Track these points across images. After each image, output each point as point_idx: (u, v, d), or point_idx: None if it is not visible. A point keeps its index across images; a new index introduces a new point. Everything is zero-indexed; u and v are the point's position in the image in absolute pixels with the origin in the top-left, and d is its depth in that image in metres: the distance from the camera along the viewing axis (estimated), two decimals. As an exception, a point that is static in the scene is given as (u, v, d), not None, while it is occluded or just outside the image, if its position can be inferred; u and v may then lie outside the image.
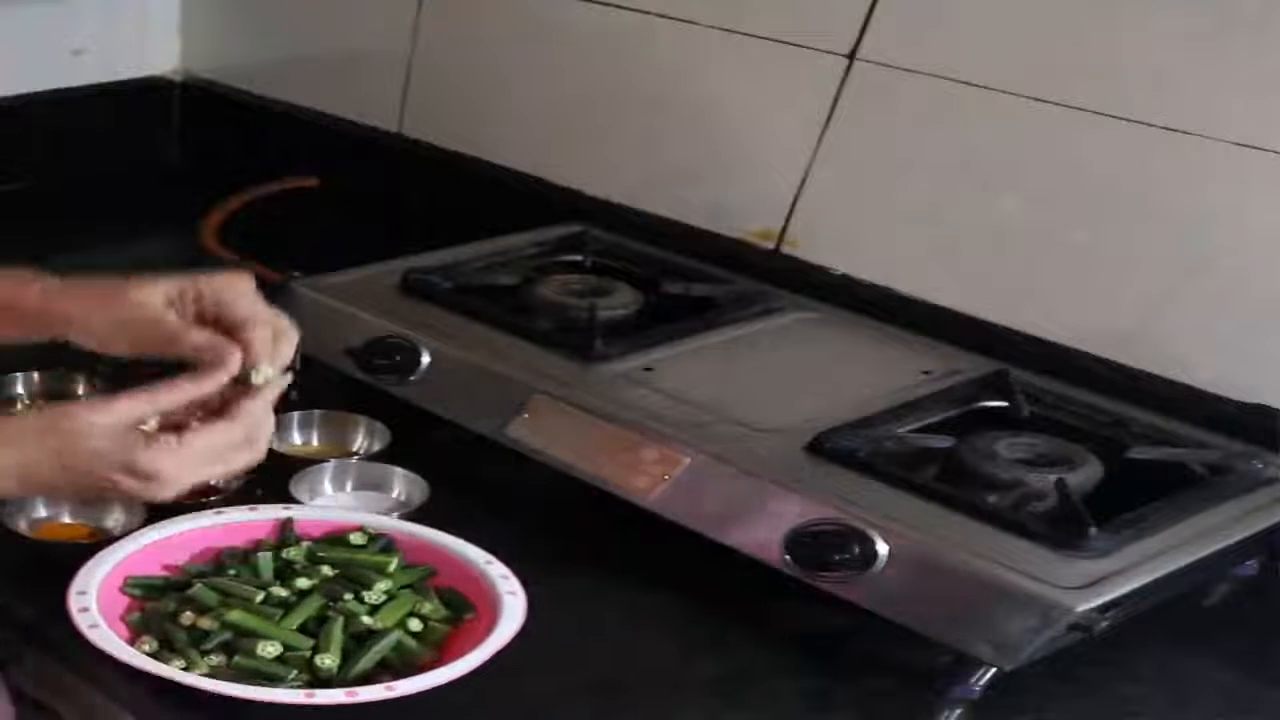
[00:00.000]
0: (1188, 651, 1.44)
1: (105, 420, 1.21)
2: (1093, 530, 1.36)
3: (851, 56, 1.86)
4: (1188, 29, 1.62)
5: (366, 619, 1.35)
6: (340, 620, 1.34)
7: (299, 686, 1.29)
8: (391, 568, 1.42)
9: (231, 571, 1.41)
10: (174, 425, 1.24)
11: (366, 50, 2.36)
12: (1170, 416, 1.60)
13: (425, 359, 1.67)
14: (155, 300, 1.29)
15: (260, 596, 1.37)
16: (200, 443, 1.22)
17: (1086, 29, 1.69)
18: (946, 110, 1.79)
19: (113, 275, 1.33)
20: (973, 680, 1.33)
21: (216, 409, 1.26)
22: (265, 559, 1.42)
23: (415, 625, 1.36)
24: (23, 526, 1.50)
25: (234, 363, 1.24)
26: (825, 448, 1.49)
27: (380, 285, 1.81)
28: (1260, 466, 1.52)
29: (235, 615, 1.34)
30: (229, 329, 1.28)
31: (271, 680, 1.30)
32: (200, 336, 1.26)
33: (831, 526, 1.38)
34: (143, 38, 2.53)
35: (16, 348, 1.48)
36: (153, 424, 1.25)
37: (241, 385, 1.27)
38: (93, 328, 1.31)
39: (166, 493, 1.24)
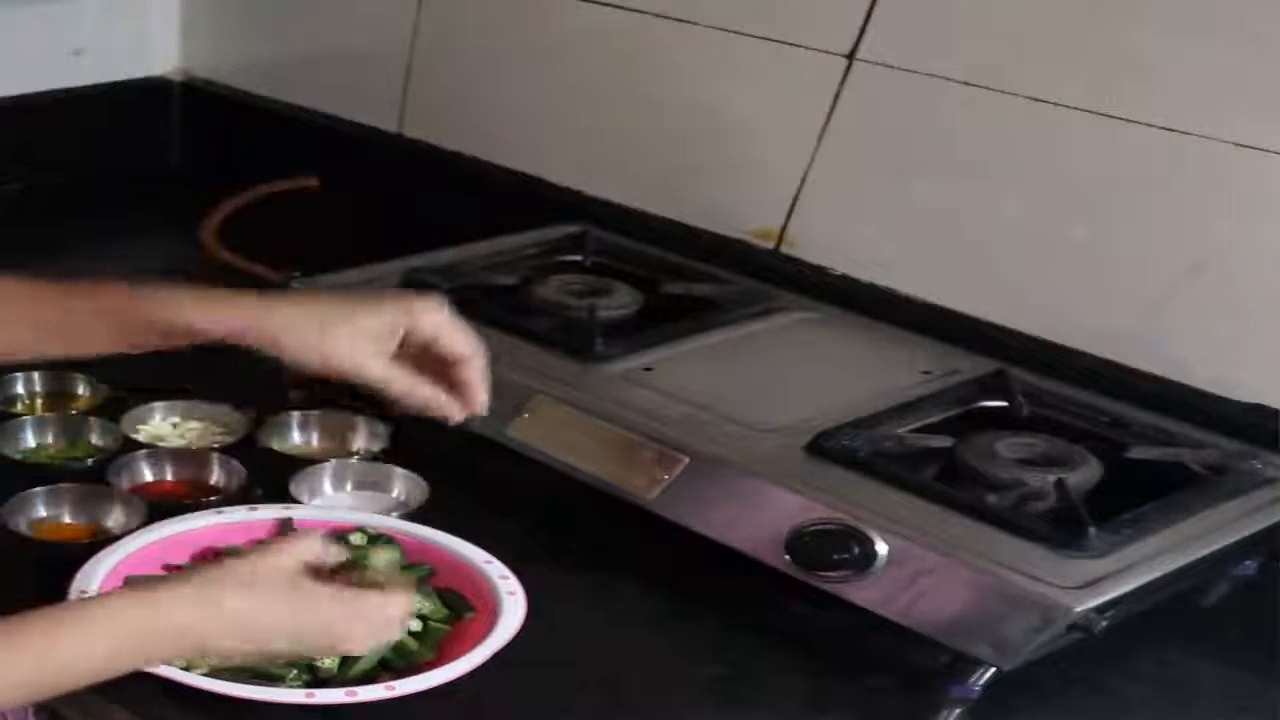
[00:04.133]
0: (1188, 651, 1.44)
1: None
2: (1092, 530, 1.36)
3: (851, 56, 1.86)
4: (1188, 29, 1.62)
5: (366, 619, 1.36)
6: (340, 620, 1.35)
7: (299, 686, 1.30)
8: (391, 567, 1.42)
9: (231, 571, 1.41)
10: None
11: (366, 50, 2.36)
12: (1170, 416, 1.60)
13: (425, 359, 1.67)
14: (378, 329, 1.31)
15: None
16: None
17: (1086, 29, 1.69)
18: (946, 110, 1.79)
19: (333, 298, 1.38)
20: (972, 680, 1.33)
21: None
22: (265, 559, 1.42)
23: (415, 625, 1.36)
24: (23, 526, 1.51)
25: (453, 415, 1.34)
26: (825, 448, 1.49)
27: (380, 285, 1.81)
28: (1260, 466, 1.52)
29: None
30: (440, 362, 1.34)
31: (271, 680, 1.30)
32: (427, 391, 1.33)
33: (831, 526, 1.39)
34: (143, 38, 2.53)
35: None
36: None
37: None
38: (304, 347, 1.31)
39: (387, 638, 1.27)
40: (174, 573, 1.41)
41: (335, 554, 1.29)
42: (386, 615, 1.25)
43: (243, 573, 1.20)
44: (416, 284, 1.80)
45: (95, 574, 1.37)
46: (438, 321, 1.32)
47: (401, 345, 1.33)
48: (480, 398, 1.35)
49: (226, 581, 1.19)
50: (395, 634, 1.28)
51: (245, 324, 1.32)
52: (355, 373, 1.30)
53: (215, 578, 1.20)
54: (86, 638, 1.15)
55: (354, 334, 1.29)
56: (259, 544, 1.30)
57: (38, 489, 1.54)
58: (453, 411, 1.35)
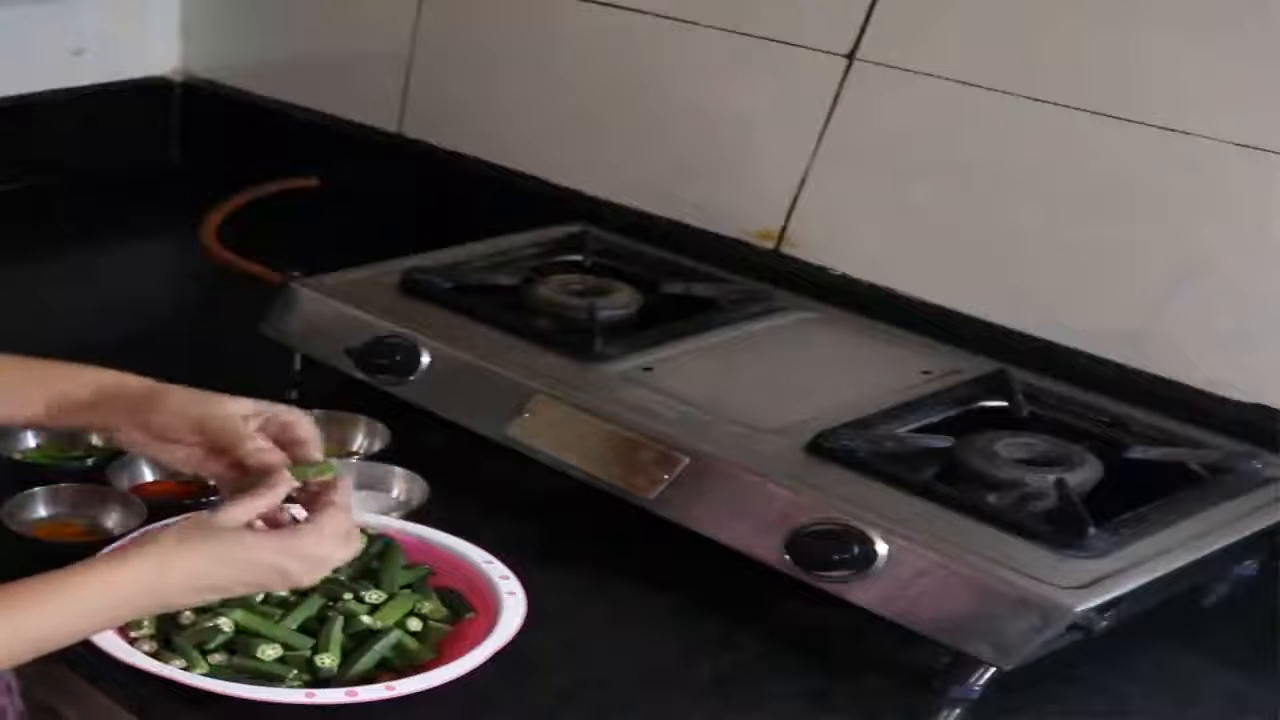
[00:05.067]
0: (1188, 651, 1.44)
1: (232, 524, 1.29)
2: (1092, 530, 1.36)
3: (851, 56, 1.86)
4: (1188, 29, 1.62)
5: (366, 619, 1.36)
6: (340, 620, 1.35)
7: (299, 686, 1.30)
8: (392, 568, 1.42)
9: (231, 571, 1.41)
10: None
11: (366, 50, 2.36)
12: (1170, 416, 1.60)
13: (425, 359, 1.68)
14: (242, 411, 1.38)
15: (260, 596, 1.37)
16: (328, 522, 1.30)
17: (1086, 29, 1.69)
18: (946, 110, 1.79)
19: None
20: (972, 680, 1.33)
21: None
22: (265, 559, 1.42)
23: (415, 625, 1.37)
24: (23, 526, 1.51)
25: (284, 469, 1.35)
26: (825, 448, 1.49)
27: (380, 285, 1.81)
28: (1260, 466, 1.52)
29: (235, 615, 1.34)
30: (286, 446, 1.38)
31: (271, 680, 1.30)
32: (265, 444, 1.37)
33: (831, 526, 1.38)
34: (143, 38, 2.53)
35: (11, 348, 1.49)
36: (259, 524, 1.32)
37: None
38: (177, 421, 1.39)
39: (322, 572, 1.31)
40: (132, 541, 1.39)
41: (271, 503, 1.33)
42: (320, 549, 1.29)
43: (190, 534, 1.28)
44: (416, 284, 1.80)
45: (95, 574, 1.37)
46: (288, 420, 1.40)
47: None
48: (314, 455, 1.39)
49: (174, 545, 1.27)
50: (340, 558, 1.31)
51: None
52: (221, 418, 1.38)
53: (165, 544, 1.27)
54: (60, 607, 1.23)
55: (233, 408, 1.39)
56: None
57: (38, 489, 1.54)
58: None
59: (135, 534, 1.43)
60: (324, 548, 1.29)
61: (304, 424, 1.40)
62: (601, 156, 2.10)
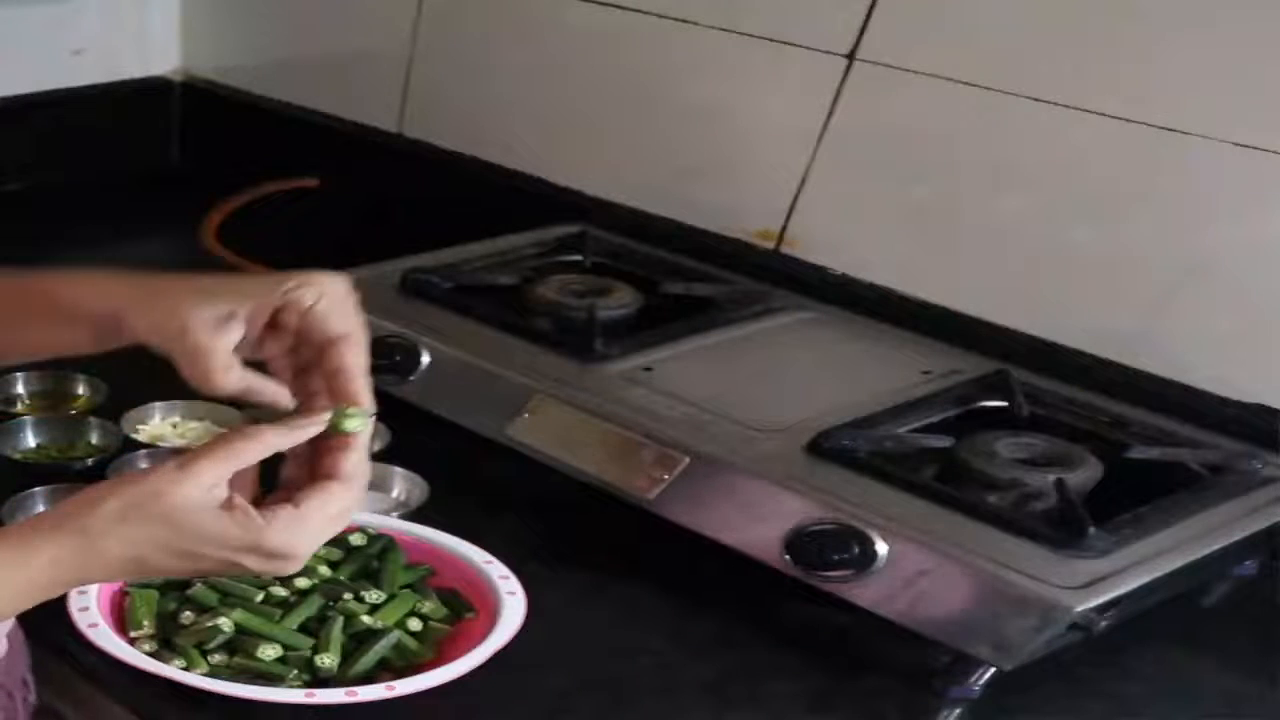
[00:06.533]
0: (1188, 651, 1.44)
1: (200, 495, 1.05)
2: (1092, 530, 1.36)
3: (851, 56, 1.86)
4: (1187, 29, 1.62)
5: (366, 619, 1.36)
6: (340, 620, 1.35)
7: (299, 686, 1.30)
8: (392, 568, 1.42)
9: (231, 571, 1.41)
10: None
11: (366, 50, 2.36)
12: (1170, 416, 1.60)
13: (425, 359, 1.68)
14: (205, 318, 1.09)
15: (260, 596, 1.37)
16: (318, 512, 1.06)
17: (1086, 29, 1.69)
18: (946, 110, 1.79)
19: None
20: (972, 680, 1.33)
21: (305, 456, 1.11)
22: (265, 559, 1.42)
23: (415, 625, 1.37)
24: (23, 526, 1.51)
25: (285, 402, 1.10)
26: (825, 448, 1.49)
27: (380, 285, 1.81)
28: (1260, 466, 1.52)
29: (235, 615, 1.34)
30: (316, 346, 1.10)
31: (271, 680, 1.30)
32: (238, 381, 1.08)
33: (831, 526, 1.38)
34: (143, 38, 2.53)
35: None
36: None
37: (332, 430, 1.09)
38: (137, 332, 1.13)
39: (295, 567, 1.08)
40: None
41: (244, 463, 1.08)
42: (297, 543, 1.06)
43: (133, 514, 1.05)
44: (416, 284, 1.80)
45: (95, 574, 1.37)
46: (319, 294, 1.10)
47: (276, 330, 1.11)
48: (356, 387, 1.09)
49: (113, 525, 1.05)
50: (322, 540, 1.08)
51: (109, 306, 1.15)
52: (182, 345, 1.08)
53: (101, 521, 1.05)
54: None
55: (198, 304, 1.08)
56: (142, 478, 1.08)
57: (38, 489, 1.54)
58: (285, 402, 1.10)
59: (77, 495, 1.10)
60: (302, 543, 1.06)
61: (333, 311, 1.08)
62: (601, 156, 2.10)
